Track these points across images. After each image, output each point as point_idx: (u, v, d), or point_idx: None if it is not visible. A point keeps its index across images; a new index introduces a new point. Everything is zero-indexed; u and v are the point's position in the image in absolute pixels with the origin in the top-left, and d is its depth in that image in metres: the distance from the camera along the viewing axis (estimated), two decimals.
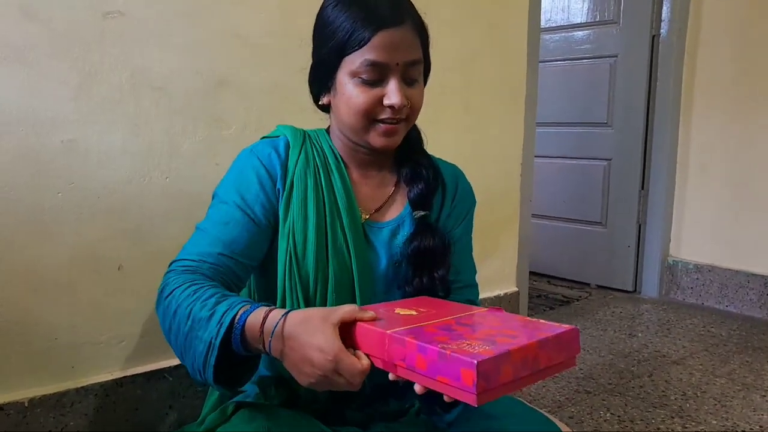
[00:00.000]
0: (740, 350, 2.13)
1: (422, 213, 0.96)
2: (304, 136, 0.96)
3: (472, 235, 1.08)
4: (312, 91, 0.95)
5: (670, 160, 2.75)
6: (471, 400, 0.58)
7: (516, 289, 2.20)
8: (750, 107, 2.53)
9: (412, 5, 0.91)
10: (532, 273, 2.89)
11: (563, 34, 3.00)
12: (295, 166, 0.91)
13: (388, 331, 0.66)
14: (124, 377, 1.31)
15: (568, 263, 3.08)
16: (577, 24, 2.95)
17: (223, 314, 0.73)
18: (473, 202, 1.07)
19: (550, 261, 3.11)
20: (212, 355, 0.72)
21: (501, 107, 2.08)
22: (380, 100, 0.86)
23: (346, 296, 0.90)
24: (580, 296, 2.83)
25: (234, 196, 0.89)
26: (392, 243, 0.95)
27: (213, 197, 0.92)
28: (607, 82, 2.86)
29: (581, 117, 2.97)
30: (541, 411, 0.92)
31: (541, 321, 0.73)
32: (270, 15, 1.43)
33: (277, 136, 0.97)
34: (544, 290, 2.92)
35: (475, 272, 1.07)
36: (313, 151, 0.94)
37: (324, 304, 0.89)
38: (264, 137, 0.99)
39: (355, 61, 0.85)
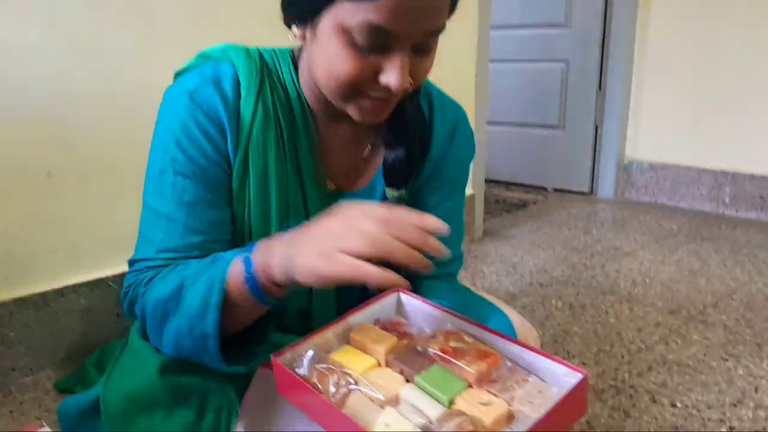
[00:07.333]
0: (689, 241, 2.19)
1: (396, 193, 0.79)
2: (262, 72, 0.73)
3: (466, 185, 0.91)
4: (283, 10, 0.70)
5: (627, 59, 2.71)
6: None
7: (472, 191, 2.19)
8: (708, 4, 2.48)
9: None
10: (490, 181, 2.90)
11: None
12: (251, 124, 0.71)
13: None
14: (65, 287, 1.27)
15: (526, 168, 3.08)
16: None
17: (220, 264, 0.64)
18: (470, 158, 0.89)
19: (509, 167, 3.11)
20: (215, 294, 0.61)
21: None
22: (374, 72, 0.63)
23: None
24: (537, 199, 2.86)
25: (185, 163, 0.70)
26: None
27: (154, 154, 0.73)
28: None
29: (538, 18, 2.89)
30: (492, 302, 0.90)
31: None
32: None
33: (219, 60, 0.74)
34: (502, 195, 2.94)
35: (462, 238, 0.93)
36: (274, 98, 0.73)
37: None
38: (201, 56, 0.77)
39: (351, 12, 0.60)
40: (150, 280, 0.69)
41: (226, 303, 0.62)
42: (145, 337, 0.74)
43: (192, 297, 0.63)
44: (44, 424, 0.86)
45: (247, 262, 0.62)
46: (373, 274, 0.53)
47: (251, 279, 0.61)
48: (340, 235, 0.55)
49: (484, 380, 0.58)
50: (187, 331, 0.64)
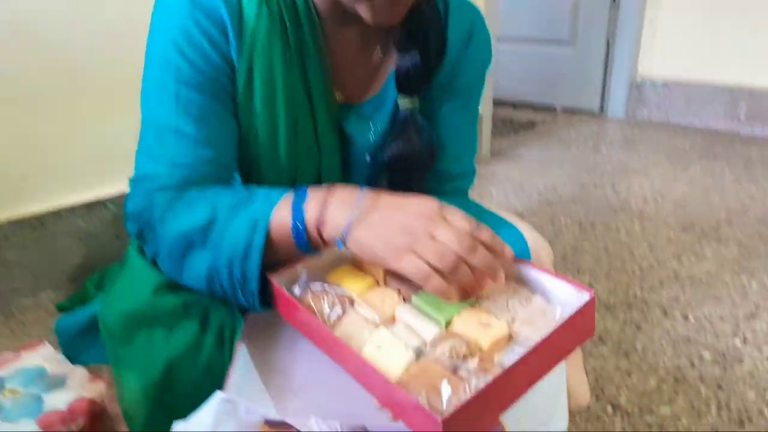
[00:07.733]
0: (702, 158, 2.13)
1: (409, 103, 0.73)
2: None
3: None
4: None
5: None
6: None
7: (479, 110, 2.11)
8: None
9: None
10: (497, 100, 2.81)
11: None
12: (255, 27, 0.64)
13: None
14: (62, 209, 1.23)
15: (534, 87, 2.97)
16: None
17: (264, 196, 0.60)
18: (486, 64, 0.81)
19: (516, 86, 3.00)
20: (259, 232, 0.57)
21: None
22: None
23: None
24: (545, 119, 2.77)
25: (189, 71, 0.63)
26: (366, 129, 0.75)
27: (151, 64, 0.65)
28: None
29: None
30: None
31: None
32: None
33: None
34: (509, 116, 2.85)
35: (475, 153, 0.85)
36: (279, 0, 0.66)
37: None
38: None
39: None
40: (169, 203, 0.63)
41: (267, 245, 0.58)
42: (145, 256, 0.70)
43: (232, 235, 0.59)
44: (45, 341, 0.84)
45: (297, 211, 0.58)
46: (437, 285, 0.51)
47: (300, 231, 0.58)
48: (415, 236, 0.52)
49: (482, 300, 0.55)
50: (225, 271, 0.60)
